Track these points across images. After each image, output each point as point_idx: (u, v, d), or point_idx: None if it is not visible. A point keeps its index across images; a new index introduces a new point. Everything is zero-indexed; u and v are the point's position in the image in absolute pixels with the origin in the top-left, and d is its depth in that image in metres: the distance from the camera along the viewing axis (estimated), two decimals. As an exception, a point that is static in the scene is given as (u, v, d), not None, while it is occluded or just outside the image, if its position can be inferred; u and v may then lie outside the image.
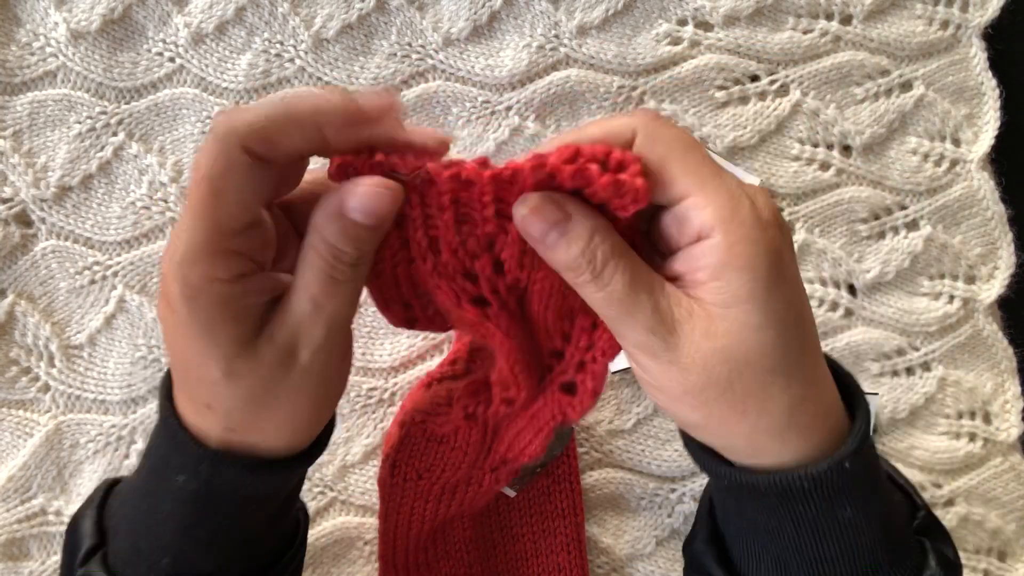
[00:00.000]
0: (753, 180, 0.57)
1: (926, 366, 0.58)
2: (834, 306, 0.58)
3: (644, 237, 0.34)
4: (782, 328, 0.31)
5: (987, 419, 0.58)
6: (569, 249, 0.31)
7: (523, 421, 0.40)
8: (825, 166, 0.58)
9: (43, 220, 0.56)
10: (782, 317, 0.31)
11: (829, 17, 0.58)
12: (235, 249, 0.31)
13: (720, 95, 0.58)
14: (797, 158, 0.58)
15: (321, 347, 0.32)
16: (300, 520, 0.43)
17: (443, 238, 0.33)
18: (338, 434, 0.56)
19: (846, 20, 0.58)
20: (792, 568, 0.36)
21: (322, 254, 0.31)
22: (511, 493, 0.49)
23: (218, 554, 0.37)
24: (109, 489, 0.40)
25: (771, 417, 0.32)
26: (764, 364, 0.31)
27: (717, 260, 0.31)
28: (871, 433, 0.35)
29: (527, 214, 0.31)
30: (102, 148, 0.56)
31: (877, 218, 0.59)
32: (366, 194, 0.30)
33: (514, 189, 0.30)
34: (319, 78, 0.57)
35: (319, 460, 0.54)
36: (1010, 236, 0.58)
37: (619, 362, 0.56)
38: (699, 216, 0.31)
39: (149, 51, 0.56)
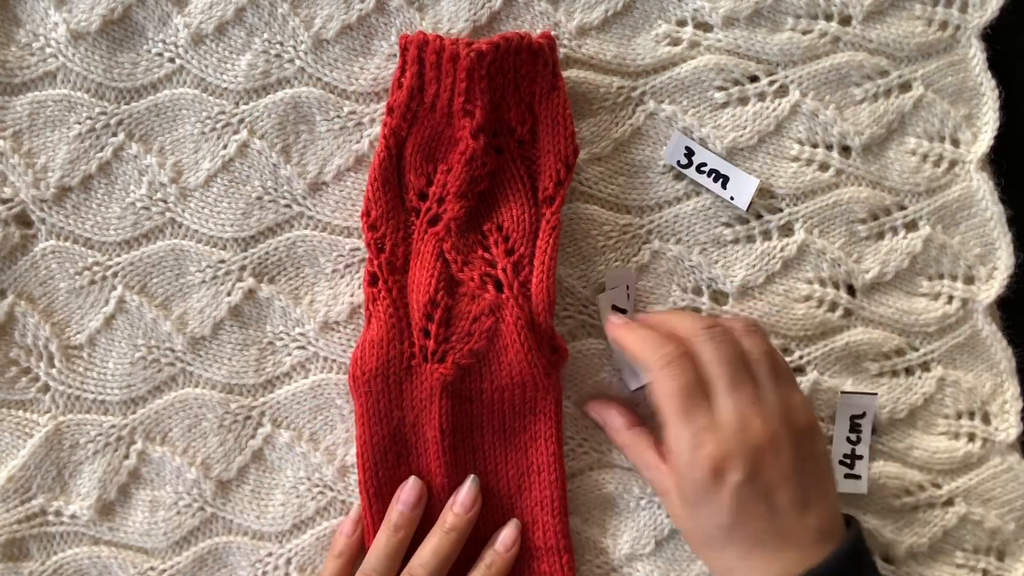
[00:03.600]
0: (753, 180, 0.57)
1: (925, 366, 0.58)
2: (833, 306, 0.58)
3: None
4: (700, 522, 0.48)
5: (986, 419, 0.58)
6: (619, 436, 0.55)
7: (414, 271, 0.53)
8: (824, 166, 0.58)
9: (43, 220, 0.56)
10: (705, 518, 0.48)
11: (828, 18, 0.58)
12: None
13: (719, 96, 0.58)
14: (796, 159, 0.58)
15: None
16: None
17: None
18: (338, 434, 0.56)
19: (845, 21, 0.58)
20: None
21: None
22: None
23: None
24: None
25: (718, 564, 0.49)
26: (694, 538, 0.50)
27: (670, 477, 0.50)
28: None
29: (609, 410, 0.56)
30: (102, 148, 0.56)
31: (876, 218, 0.59)
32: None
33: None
34: (319, 78, 0.57)
35: (319, 460, 0.55)
36: (1009, 236, 0.58)
37: (633, 382, 0.56)
38: (668, 444, 0.49)
39: (149, 51, 0.56)
